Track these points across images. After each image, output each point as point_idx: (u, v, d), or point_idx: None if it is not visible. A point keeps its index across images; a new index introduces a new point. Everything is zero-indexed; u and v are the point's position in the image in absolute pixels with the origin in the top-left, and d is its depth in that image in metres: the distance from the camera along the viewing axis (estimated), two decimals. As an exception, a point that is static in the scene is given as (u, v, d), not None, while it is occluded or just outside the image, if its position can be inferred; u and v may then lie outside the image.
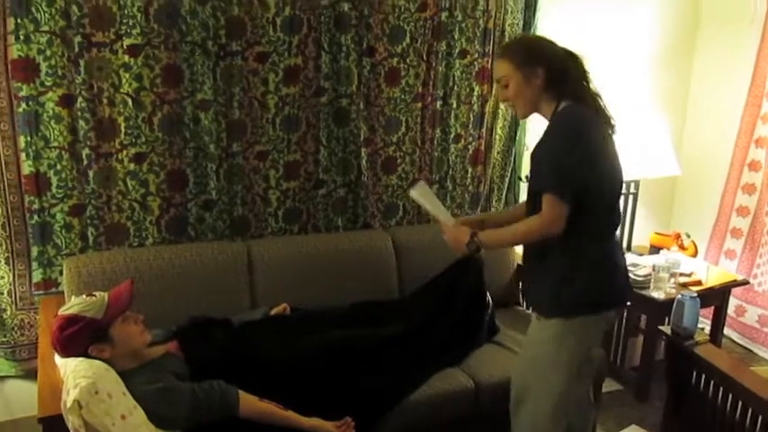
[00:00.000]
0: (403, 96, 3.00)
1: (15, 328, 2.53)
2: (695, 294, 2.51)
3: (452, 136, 3.15)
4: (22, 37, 2.30)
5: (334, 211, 3.01)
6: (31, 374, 2.55)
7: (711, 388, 2.34)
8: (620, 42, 3.49)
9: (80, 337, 1.86)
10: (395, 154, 3.06)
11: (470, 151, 3.23)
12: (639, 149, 3.34)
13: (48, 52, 2.35)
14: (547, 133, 1.98)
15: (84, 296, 1.95)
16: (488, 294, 2.67)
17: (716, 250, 3.77)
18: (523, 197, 2.99)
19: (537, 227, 1.93)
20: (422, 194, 2.29)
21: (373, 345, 2.35)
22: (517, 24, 3.15)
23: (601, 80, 3.33)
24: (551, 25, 3.20)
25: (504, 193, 3.37)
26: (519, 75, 1.97)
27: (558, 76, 1.96)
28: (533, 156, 2.01)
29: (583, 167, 1.88)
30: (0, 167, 2.39)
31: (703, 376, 2.38)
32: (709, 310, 3.36)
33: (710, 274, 3.26)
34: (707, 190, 3.79)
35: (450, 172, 3.21)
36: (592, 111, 1.98)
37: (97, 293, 1.96)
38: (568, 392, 2.08)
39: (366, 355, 2.31)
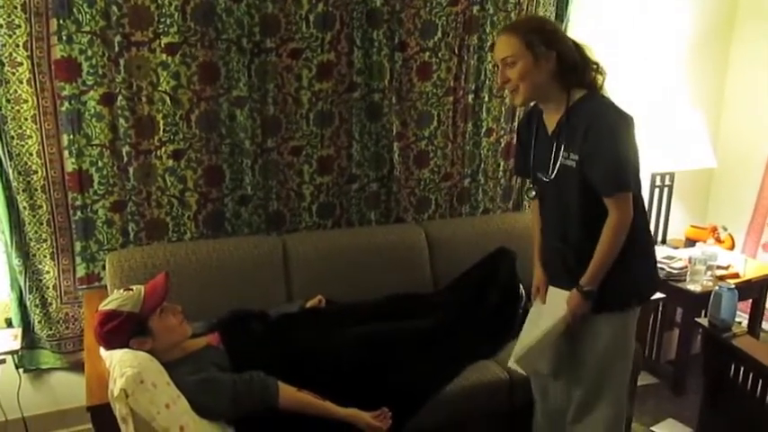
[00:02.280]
0: (435, 90, 3.01)
1: (60, 322, 2.61)
2: (733, 286, 2.49)
3: (484, 130, 3.15)
4: (64, 37, 2.36)
5: (367, 205, 3.04)
6: (75, 366, 2.63)
7: (750, 380, 2.32)
8: (654, 33, 3.45)
9: (120, 331, 1.91)
10: (427, 148, 3.08)
11: (502, 145, 3.22)
12: (674, 141, 3.30)
13: (89, 52, 2.41)
14: (596, 133, 1.85)
15: (121, 291, 2.00)
16: (521, 286, 2.67)
17: (753, 243, 3.71)
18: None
19: (619, 231, 1.88)
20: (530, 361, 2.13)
21: (408, 337, 2.37)
22: (549, 16, 3.13)
23: (635, 71, 3.32)
24: (585, 17, 3.18)
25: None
26: (529, 55, 1.85)
27: (570, 65, 1.89)
28: (587, 160, 1.88)
29: (636, 155, 1.89)
30: (44, 165, 2.46)
31: (741, 368, 2.36)
32: (747, 304, 3.31)
33: (748, 266, 3.21)
34: (744, 183, 3.73)
35: (483, 166, 3.21)
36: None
37: (134, 287, 2.00)
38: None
39: (401, 347, 2.33)
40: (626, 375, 2.12)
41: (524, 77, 1.88)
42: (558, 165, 1.96)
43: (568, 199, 1.96)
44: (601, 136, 1.85)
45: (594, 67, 1.94)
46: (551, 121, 1.99)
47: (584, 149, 1.87)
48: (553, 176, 1.98)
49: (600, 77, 1.94)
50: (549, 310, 2.10)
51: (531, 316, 2.20)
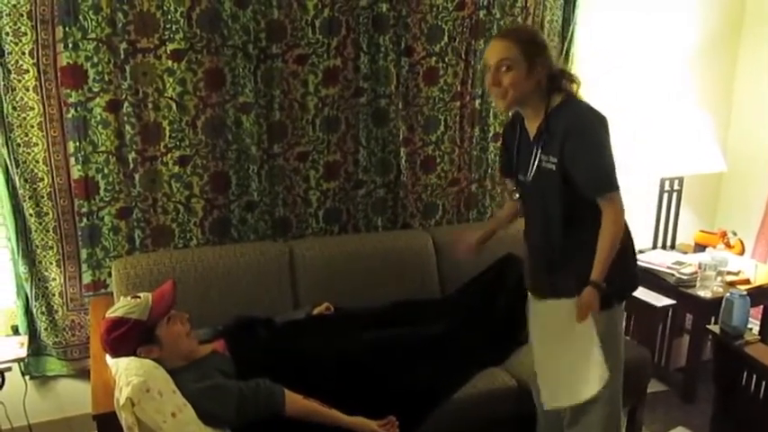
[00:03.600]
0: (441, 95, 3.00)
1: (67, 329, 2.60)
2: (744, 292, 2.46)
3: (491, 134, 3.14)
4: (70, 45, 2.36)
5: (374, 211, 3.03)
6: (81, 374, 2.62)
7: (762, 388, 2.29)
8: (661, 37, 3.43)
9: (127, 338, 1.90)
10: (434, 153, 3.06)
11: (510, 150, 3.20)
12: (683, 146, 3.28)
13: (95, 59, 2.41)
14: (575, 135, 1.91)
15: (129, 298, 1.99)
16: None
17: (764, 248, 3.67)
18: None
19: (618, 229, 1.92)
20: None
21: (415, 344, 2.35)
22: (556, 21, 3.12)
23: (643, 75, 3.31)
24: (591, 21, 3.17)
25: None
26: (525, 64, 1.91)
27: (553, 75, 1.97)
28: (569, 161, 1.92)
29: (612, 154, 1.95)
30: (51, 172, 2.46)
31: (754, 376, 2.33)
32: (758, 310, 3.28)
33: (759, 272, 3.17)
34: (753, 187, 3.69)
35: (490, 171, 3.19)
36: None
37: (142, 295, 1.99)
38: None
39: (408, 354, 2.31)
40: (618, 374, 2.11)
41: (515, 85, 1.93)
42: (535, 167, 2.02)
43: (549, 200, 2.02)
44: (581, 137, 1.91)
45: (568, 76, 2.01)
46: (532, 125, 2.05)
47: (564, 151, 1.93)
48: (531, 178, 2.04)
49: (575, 86, 2.01)
50: (567, 332, 2.01)
51: (543, 355, 2.10)
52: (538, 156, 2.01)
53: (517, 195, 2.24)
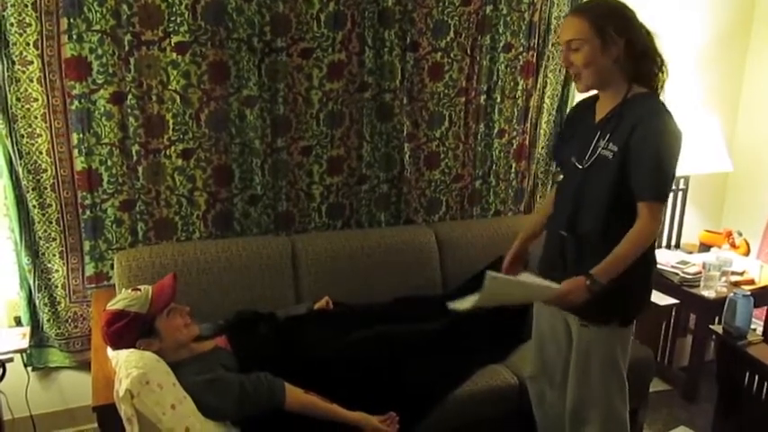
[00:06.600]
0: (446, 91, 2.98)
1: (69, 321, 2.61)
2: (748, 293, 2.45)
3: (496, 131, 3.12)
4: (74, 36, 2.35)
5: (377, 206, 3.02)
6: (84, 365, 2.62)
7: (765, 389, 2.28)
8: (670, 35, 3.39)
9: (127, 331, 1.91)
10: (438, 149, 3.05)
11: (514, 146, 3.19)
12: (689, 145, 3.25)
13: (99, 51, 2.40)
14: (650, 128, 1.76)
15: (129, 291, 2.00)
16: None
17: (769, 248, 3.65)
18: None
19: (647, 237, 1.79)
20: (494, 292, 1.78)
21: (417, 340, 2.35)
22: (563, 18, 3.09)
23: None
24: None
25: (549, 188, 3.33)
26: (597, 40, 1.77)
27: (639, 54, 1.81)
28: (634, 149, 1.77)
29: (675, 171, 1.82)
30: (54, 164, 2.46)
31: (756, 377, 2.32)
32: (762, 311, 3.26)
33: (764, 272, 3.16)
34: (760, 187, 3.67)
35: (494, 167, 3.18)
36: None
37: (142, 287, 2.00)
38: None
39: (410, 350, 2.31)
40: (617, 390, 2.01)
41: (589, 64, 1.80)
42: (595, 154, 1.86)
43: (593, 189, 1.87)
44: (655, 132, 1.76)
45: (659, 61, 1.86)
46: (603, 108, 1.91)
47: (631, 140, 1.78)
48: (585, 165, 1.89)
49: (662, 77, 1.87)
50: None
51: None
52: (600, 141, 1.85)
53: (561, 177, 2.06)
